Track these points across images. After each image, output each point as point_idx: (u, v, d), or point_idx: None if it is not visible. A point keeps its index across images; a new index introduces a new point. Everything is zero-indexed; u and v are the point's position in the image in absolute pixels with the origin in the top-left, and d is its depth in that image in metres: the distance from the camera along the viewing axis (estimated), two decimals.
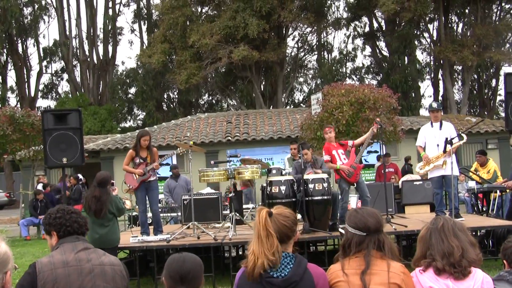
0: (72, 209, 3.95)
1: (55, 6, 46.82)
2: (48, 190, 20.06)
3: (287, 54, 39.43)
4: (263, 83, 39.87)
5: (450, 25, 37.58)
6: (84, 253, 3.66)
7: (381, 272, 3.40)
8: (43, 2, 46.91)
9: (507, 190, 11.84)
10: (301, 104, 42.33)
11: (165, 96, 45.30)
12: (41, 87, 49.04)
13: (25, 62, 47.22)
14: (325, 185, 9.77)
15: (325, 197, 9.71)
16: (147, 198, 10.46)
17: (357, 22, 43.00)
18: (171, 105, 45.92)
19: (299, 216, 9.49)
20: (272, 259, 3.36)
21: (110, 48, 47.29)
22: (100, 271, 3.60)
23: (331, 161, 10.30)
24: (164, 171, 18.66)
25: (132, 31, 50.12)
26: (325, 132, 10.68)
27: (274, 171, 10.67)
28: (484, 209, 13.14)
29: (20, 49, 46.82)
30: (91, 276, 3.56)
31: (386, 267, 3.42)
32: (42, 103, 50.10)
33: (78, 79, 46.92)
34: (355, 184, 10.35)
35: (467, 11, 37.15)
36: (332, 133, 10.57)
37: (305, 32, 41.10)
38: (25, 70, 46.99)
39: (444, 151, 10.20)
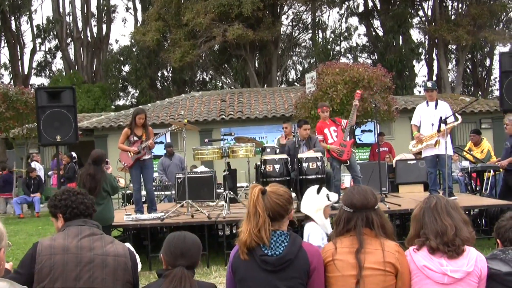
0: (78, 190, 3.86)
1: None
2: (7, 172, 20.11)
3: (281, 33, 39.22)
4: (258, 61, 39.70)
5: (445, 4, 37.38)
6: (88, 240, 3.57)
7: (376, 251, 3.42)
8: None
9: (501, 170, 11.89)
10: (295, 83, 42.18)
11: (159, 74, 45.00)
12: (34, 64, 48.63)
13: (18, 39, 46.73)
14: (319, 163, 9.78)
15: (319, 176, 9.72)
16: (141, 176, 10.46)
17: (351, 2, 42.81)
18: (165, 83, 45.63)
19: (293, 195, 9.50)
20: (258, 237, 3.36)
21: (104, 26, 46.94)
22: (101, 262, 3.51)
23: (324, 140, 10.33)
24: (159, 150, 18.59)
25: (127, 9, 49.79)
26: (321, 111, 10.65)
27: (268, 150, 10.67)
28: (477, 188, 13.20)
29: (13, 26, 46.32)
30: (90, 267, 3.48)
31: (380, 246, 3.44)
32: (35, 80, 49.71)
33: (72, 57, 46.56)
34: (348, 162, 10.39)
35: None
36: (326, 112, 10.59)
37: (299, 11, 40.91)
38: (18, 48, 46.49)
39: (438, 130, 10.20)
